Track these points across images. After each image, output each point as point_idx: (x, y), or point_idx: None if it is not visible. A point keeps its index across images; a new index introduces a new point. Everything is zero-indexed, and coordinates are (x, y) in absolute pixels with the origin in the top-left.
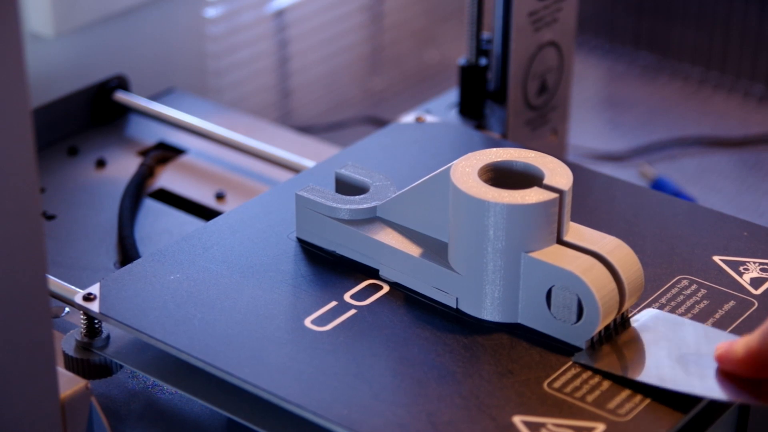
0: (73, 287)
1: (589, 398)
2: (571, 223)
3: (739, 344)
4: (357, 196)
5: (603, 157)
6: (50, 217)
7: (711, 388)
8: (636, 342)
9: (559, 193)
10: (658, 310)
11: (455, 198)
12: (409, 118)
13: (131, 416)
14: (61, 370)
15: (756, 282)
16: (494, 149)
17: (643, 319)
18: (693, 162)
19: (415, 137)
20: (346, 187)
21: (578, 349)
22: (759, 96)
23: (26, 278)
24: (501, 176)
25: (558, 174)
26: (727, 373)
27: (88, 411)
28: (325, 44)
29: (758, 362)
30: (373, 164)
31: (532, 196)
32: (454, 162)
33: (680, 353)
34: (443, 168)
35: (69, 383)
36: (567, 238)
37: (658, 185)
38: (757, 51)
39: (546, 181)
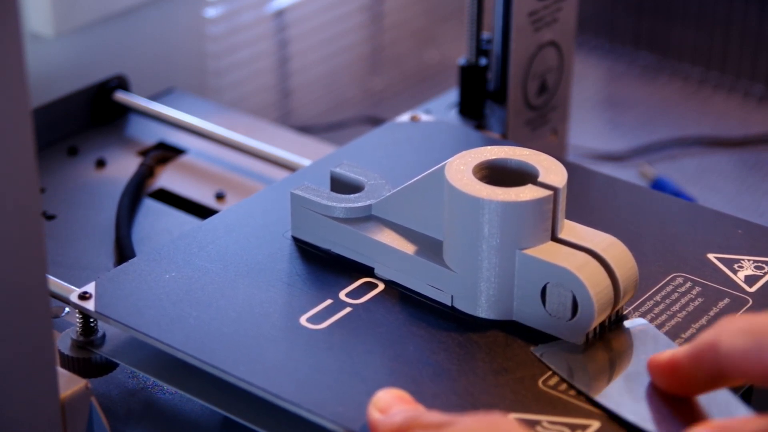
0: (72, 287)
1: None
2: (566, 221)
3: (666, 352)
4: (352, 195)
5: (603, 157)
6: (50, 217)
7: (637, 412)
8: (604, 352)
9: (554, 191)
10: (648, 323)
11: (450, 196)
12: (404, 117)
13: (131, 416)
14: (61, 370)
15: (750, 279)
16: (489, 147)
17: (629, 326)
18: (693, 162)
19: (410, 136)
20: (341, 185)
21: (573, 346)
22: (759, 96)
23: (26, 278)
24: (496, 174)
25: (552, 171)
26: (657, 397)
27: (88, 411)
28: (325, 44)
29: (676, 375)
30: (368, 163)
31: (527, 193)
32: (448, 160)
33: (629, 371)
34: (438, 166)
35: (69, 383)
36: (562, 235)
37: (658, 185)
38: (757, 51)
39: (540, 179)
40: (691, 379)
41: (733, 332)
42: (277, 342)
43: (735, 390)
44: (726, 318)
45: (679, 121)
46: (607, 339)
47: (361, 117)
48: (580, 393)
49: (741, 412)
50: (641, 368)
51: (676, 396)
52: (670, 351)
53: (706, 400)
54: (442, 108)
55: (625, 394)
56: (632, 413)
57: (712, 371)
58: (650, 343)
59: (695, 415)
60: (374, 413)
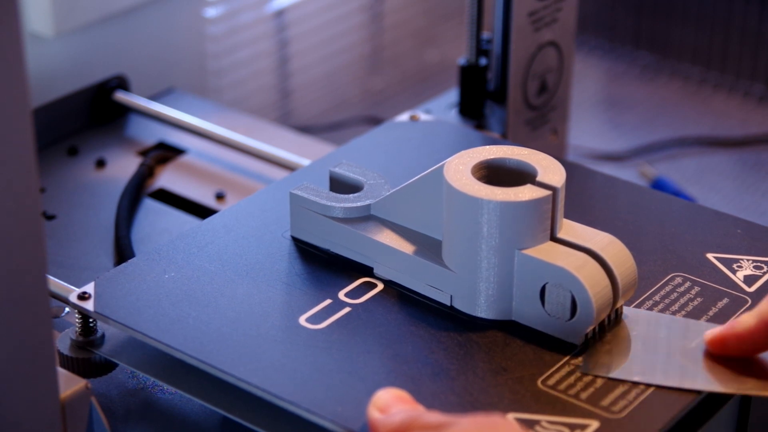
0: (72, 287)
1: (583, 395)
2: (565, 220)
3: (747, 316)
4: (351, 195)
5: (603, 157)
6: (50, 217)
7: (708, 380)
8: (625, 341)
9: (552, 190)
10: (627, 307)
11: (449, 196)
12: (404, 117)
13: (131, 416)
14: (61, 370)
15: (749, 279)
16: (487, 147)
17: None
18: (693, 162)
19: (409, 135)
20: (340, 185)
21: (573, 346)
22: (759, 96)
23: (26, 278)
24: (494, 174)
25: (551, 171)
26: (714, 364)
27: (88, 411)
28: (325, 44)
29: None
30: (367, 162)
31: (526, 193)
32: (447, 160)
33: (667, 348)
34: (437, 166)
35: (69, 383)
36: (560, 235)
37: (658, 185)
38: (757, 51)
39: (539, 179)
40: None
41: None
42: (277, 342)
43: None
44: None
45: (679, 121)
46: (605, 337)
47: (361, 117)
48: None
49: None
50: (676, 344)
51: (737, 357)
52: (748, 316)
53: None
54: (442, 108)
55: (683, 371)
56: (705, 383)
57: None
58: (648, 325)
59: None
60: (374, 413)
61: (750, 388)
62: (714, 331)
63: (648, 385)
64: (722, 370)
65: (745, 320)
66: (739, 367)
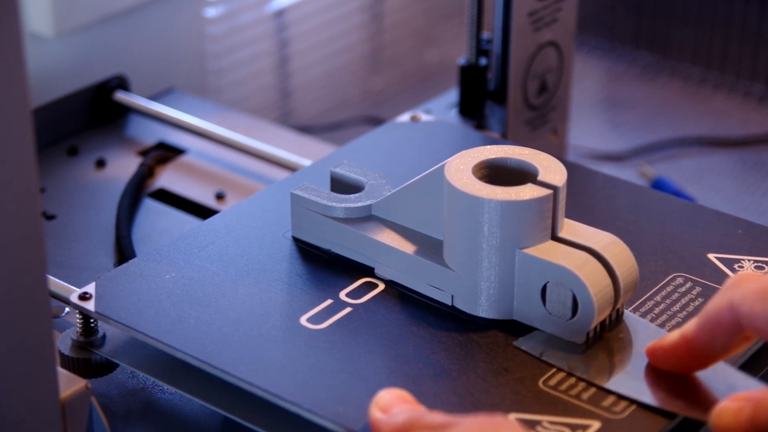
0: (72, 287)
1: (585, 396)
2: (566, 220)
3: (672, 333)
4: (352, 195)
5: (603, 157)
6: (50, 217)
7: (641, 391)
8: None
9: (554, 190)
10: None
11: (450, 195)
12: (405, 117)
13: (131, 416)
14: (61, 370)
15: None
16: (488, 146)
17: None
18: (693, 162)
19: (410, 136)
20: (341, 185)
21: (574, 345)
22: (759, 96)
23: (26, 278)
24: (495, 173)
25: (552, 170)
26: (655, 376)
27: (88, 411)
28: (325, 44)
29: (691, 350)
30: (368, 163)
31: (526, 192)
32: (448, 159)
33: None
34: (438, 166)
35: (69, 383)
36: (561, 234)
37: (658, 185)
38: (757, 51)
39: (540, 178)
40: (706, 351)
41: (753, 297)
42: (278, 342)
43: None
44: (732, 280)
45: (679, 121)
46: (606, 338)
47: (361, 117)
48: (590, 384)
49: (741, 380)
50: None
51: (677, 374)
52: (675, 332)
53: (705, 374)
54: (442, 108)
55: (633, 380)
56: (644, 395)
57: (729, 336)
58: (645, 333)
59: (701, 390)
60: (376, 413)
61: (680, 407)
62: (655, 342)
63: (598, 387)
64: (659, 383)
65: (670, 336)
66: (675, 384)
